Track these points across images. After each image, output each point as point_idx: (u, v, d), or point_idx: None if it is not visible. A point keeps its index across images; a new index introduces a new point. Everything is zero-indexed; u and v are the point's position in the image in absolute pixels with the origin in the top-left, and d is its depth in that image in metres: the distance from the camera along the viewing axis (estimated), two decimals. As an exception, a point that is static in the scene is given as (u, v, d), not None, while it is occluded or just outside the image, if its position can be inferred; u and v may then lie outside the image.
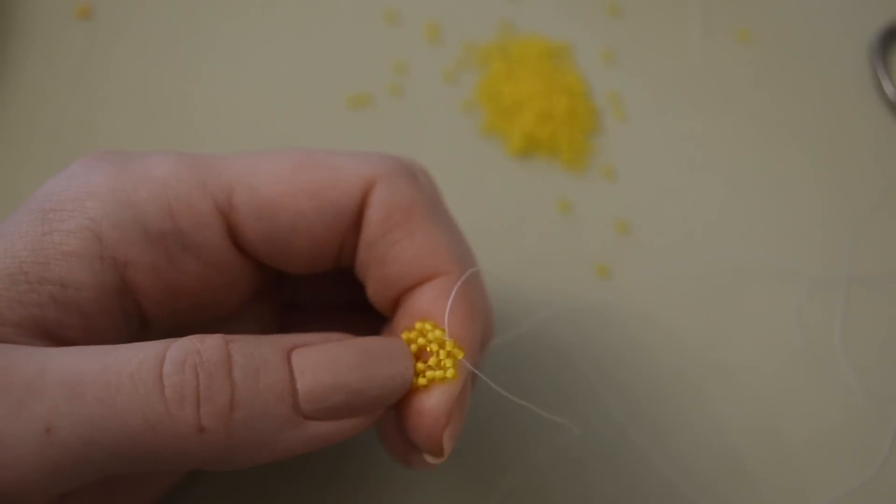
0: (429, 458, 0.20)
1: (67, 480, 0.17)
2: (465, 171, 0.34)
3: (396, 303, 0.22)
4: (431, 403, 0.20)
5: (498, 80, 0.35)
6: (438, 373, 0.20)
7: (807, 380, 0.31)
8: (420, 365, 0.20)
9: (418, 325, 0.20)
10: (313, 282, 0.26)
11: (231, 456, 0.18)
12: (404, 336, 0.21)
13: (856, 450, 0.30)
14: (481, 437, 0.29)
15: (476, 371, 0.21)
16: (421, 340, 0.20)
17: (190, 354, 0.17)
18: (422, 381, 0.20)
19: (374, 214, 0.21)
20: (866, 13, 0.39)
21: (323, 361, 0.19)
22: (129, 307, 0.20)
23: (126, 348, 0.17)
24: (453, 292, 0.20)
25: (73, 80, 0.34)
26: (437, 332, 0.20)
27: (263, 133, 0.34)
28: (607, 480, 0.29)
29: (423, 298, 0.21)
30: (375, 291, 0.22)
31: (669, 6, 0.39)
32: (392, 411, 0.21)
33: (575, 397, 0.30)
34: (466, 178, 0.34)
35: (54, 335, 0.19)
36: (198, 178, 0.20)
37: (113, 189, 0.19)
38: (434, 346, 0.20)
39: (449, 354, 0.20)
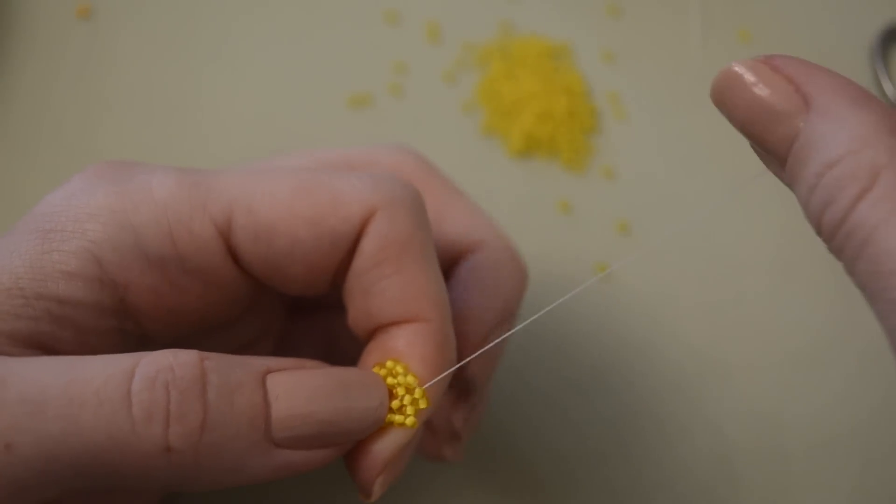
0: (360, 495, 0.20)
1: (29, 497, 0.16)
2: (465, 171, 0.34)
3: (373, 334, 0.21)
4: (377, 448, 0.19)
5: (498, 80, 0.35)
6: (398, 417, 0.19)
7: (809, 381, 0.31)
8: None
9: (390, 363, 0.20)
10: None
11: (196, 477, 0.17)
12: (374, 370, 0.20)
13: (857, 454, 0.30)
14: (478, 436, 0.29)
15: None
16: (390, 380, 0.20)
17: (162, 371, 0.17)
18: None
19: (367, 245, 0.20)
20: (866, 13, 0.39)
21: (299, 389, 0.18)
22: (127, 326, 0.20)
23: (94, 361, 0.17)
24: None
25: (73, 80, 0.34)
26: (409, 378, 0.20)
27: (264, 133, 0.34)
28: (605, 481, 0.29)
29: (398, 340, 0.20)
30: (354, 319, 0.21)
31: (669, 6, 0.39)
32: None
33: (574, 397, 0.30)
34: (466, 178, 0.34)
35: (48, 347, 0.18)
36: (199, 200, 0.20)
37: (113, 211, 0.19)
38: (401, 390, 0.20)
39: (413, 402, 0.20)
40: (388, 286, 0.20)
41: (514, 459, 0.29)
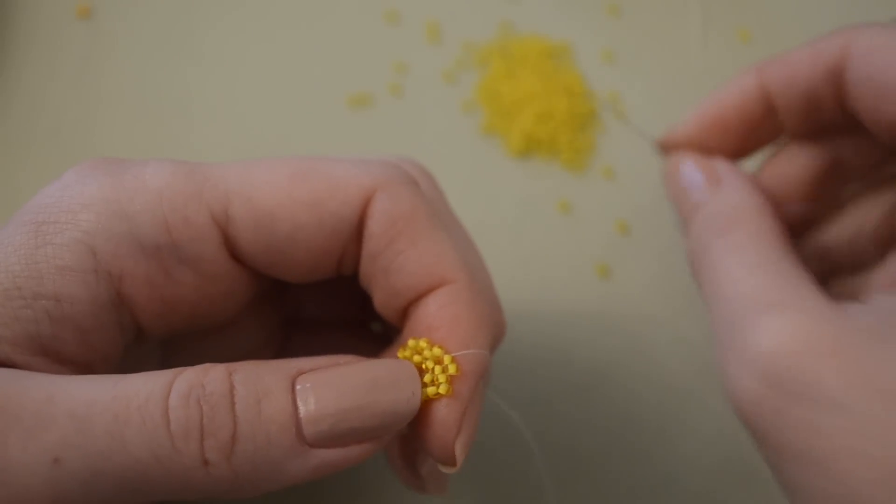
0: (442, 468, 0.20)
1: None
2: (465, 171, 0.34)
3: (405, 313, 0.21)
4: (441, 414, 0.20)
5: (498, 80, 0.35)
6: (431, 388, 0.20)
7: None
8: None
9: (411, 342, 0.20)
10: (315, 296, 0.25)
11: (237, 486, 0.18)
12: (399, 354, 0.20)
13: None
14: (479, 436, 0.29)
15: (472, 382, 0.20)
16: (416, 358, 0.20)
17: (194, 388, 0.17)
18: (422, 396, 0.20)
19: (375, 225, 0.20)
20: (867, 13, 0.39)
21: (327, 388, 0.18)
22: (125, 320, 0.20)
23: (134, 379, 0.17)
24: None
25: (73, 80, 0.34)
26: (436, 350, 0.20)
27: (264, 133, 0.34)
28: (608, 482, 0.29)
29: (430, 309, 0.20)
30: (382, 302, 0.21)
31: (669, 6, 0.39)
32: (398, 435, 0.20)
33: (575, 397, 0.30)
34: (466, 178, 0.34)
35: (50, 350, 0.18)
36: (194, 189, 0.20)
37: (107, 200, 0.19)
38: (430, 363, 0.20)
39: (444, 370, 0.20)
40: (405, 261, 0.20)
41: (516, 461, 0.29)
